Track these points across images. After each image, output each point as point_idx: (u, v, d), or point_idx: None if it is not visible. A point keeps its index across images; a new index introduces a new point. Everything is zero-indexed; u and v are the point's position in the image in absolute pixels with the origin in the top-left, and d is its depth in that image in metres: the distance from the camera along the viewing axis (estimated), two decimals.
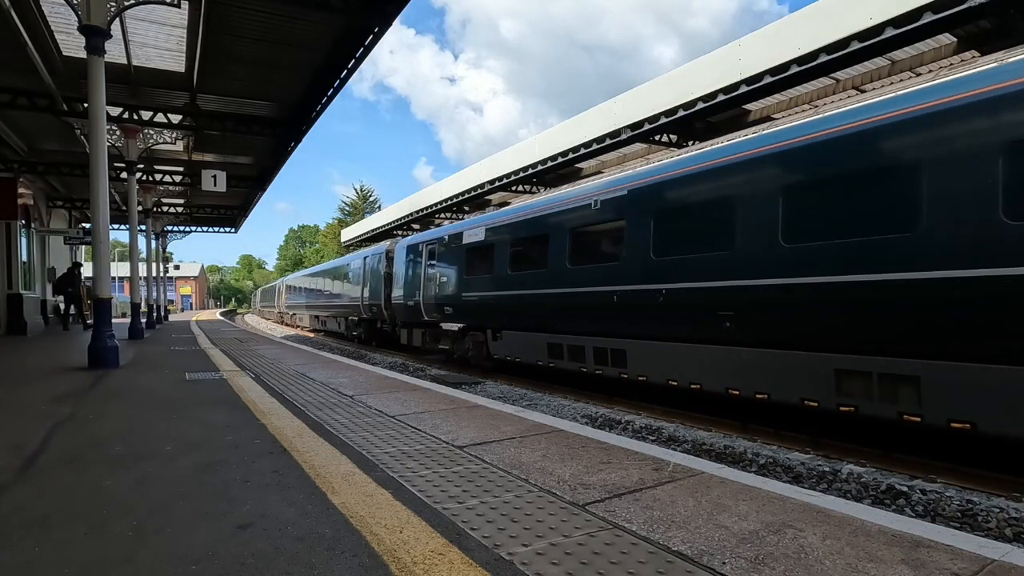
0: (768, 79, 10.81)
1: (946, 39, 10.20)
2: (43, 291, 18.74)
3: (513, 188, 21.69)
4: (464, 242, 12.53)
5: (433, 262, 13.87)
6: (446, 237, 13.49)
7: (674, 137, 15.27)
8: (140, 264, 16.26)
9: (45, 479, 2.93)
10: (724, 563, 1.95)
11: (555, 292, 9.50)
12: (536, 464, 3.15)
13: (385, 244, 18.87)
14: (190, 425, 4.14)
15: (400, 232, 31.16)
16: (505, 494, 2.65)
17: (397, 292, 15.98)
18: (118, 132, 12.50)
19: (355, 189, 79.89)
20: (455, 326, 12.92)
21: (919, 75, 10.88)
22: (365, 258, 20.07)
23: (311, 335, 28.54)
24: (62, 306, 18.25)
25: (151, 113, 12.50)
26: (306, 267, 49.83)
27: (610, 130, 14.94)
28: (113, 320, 8.33)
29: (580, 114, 16.58)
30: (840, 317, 5.69)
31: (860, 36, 9.22)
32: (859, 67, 11.28)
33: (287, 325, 37.98)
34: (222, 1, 8.62)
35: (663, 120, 13.37)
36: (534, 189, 21.55)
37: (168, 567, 1.93)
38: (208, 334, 16.04)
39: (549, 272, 9.67)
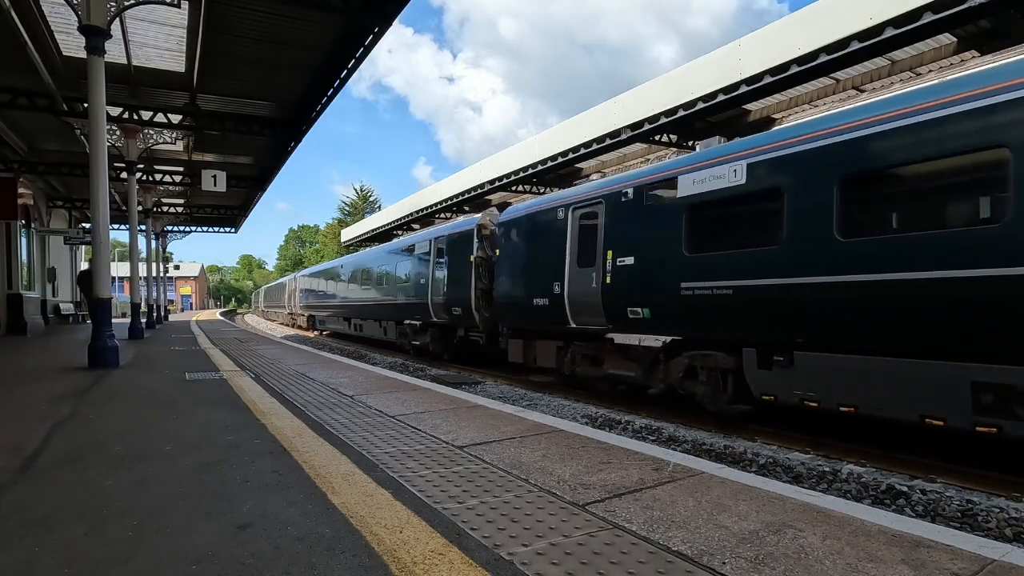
0: (768, 79, 10.82)
1: (946, 39, 10.21)
2: (43, 291, 18.75)
3: (513, 188, 21.71)
4: (682, 195, 7.40)
5: (596, 235, 8.75)
6: (628, 192, 8.26)
7: (674, 137, 15.29)
8: (140, 264, 16.28)
9: (45, 479, 2.93)
10: (724, 563, 1.95)
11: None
12: (536, 464, 3.15)
13: (474, 217, 13.61)
14: (190, 425, 4.14)
15: (400, 232, 31.06)
16: (505, 494, 2.65)
17: (509, 286, 11.01)
18: (118, 132, 12.52)
19: (355, 189, 79.77)
20: (655, 340, 7.79)
21: (919, 75, 10.90)
22: (434, 240, 14.61)
23: (311, 335, 28.49)
24: (72, 307, 18.15)
25: (151, 113, 12.52)
26: (306, 267, 47.50)
27: (610, 130, 14.95)
28: (113, 320, 8.34)
29: (580, 114, 16.59)
30: None
31: (860, 36, 9.22)
32: (859, 67, 11.29)
33: (299, 328, 32.84)
34: (222, 1, 8.63)
35: (663, 120, 13.38)
36: (534, 189, 21.58)
37: (168, 567, 1.93)
38: (208, 334, 16.03)
39: (1008, 230, 4.58)
